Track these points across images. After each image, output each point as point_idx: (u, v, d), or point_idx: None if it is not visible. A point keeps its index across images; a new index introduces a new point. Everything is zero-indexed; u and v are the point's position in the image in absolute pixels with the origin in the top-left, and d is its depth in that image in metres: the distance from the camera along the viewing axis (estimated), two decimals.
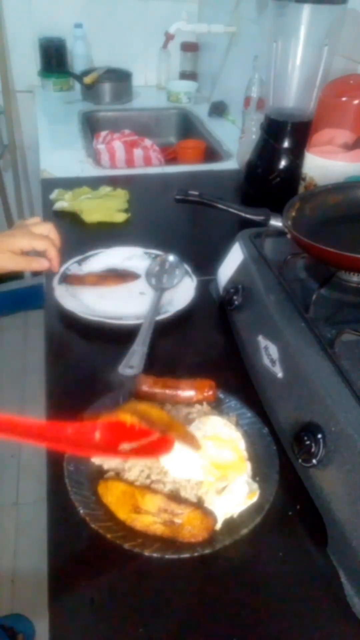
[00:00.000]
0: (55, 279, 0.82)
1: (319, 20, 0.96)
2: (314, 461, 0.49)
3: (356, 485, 0.45)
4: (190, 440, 0.50)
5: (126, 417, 0.52)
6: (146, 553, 0.46)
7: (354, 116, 0.85)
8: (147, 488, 0.49)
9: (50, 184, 1.18)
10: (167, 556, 0.46)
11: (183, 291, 0.83)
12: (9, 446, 1.78)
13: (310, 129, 0.91)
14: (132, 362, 0.67)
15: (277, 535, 0.51)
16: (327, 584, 0.47)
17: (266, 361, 0.62)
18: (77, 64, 1.91)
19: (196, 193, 0.83)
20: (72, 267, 0.86)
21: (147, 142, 1.49)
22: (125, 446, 0.49)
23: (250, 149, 1.14)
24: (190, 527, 0.48)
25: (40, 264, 0.73)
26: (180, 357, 0.72)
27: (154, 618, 0.44)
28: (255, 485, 0.52)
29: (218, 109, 1.71)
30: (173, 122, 1.86)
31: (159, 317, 0.76)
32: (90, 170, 1.31)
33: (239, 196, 1.19)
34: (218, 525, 0.49)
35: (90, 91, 1.79)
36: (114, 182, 1.20)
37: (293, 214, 0.69)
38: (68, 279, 0.83)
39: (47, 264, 0.73)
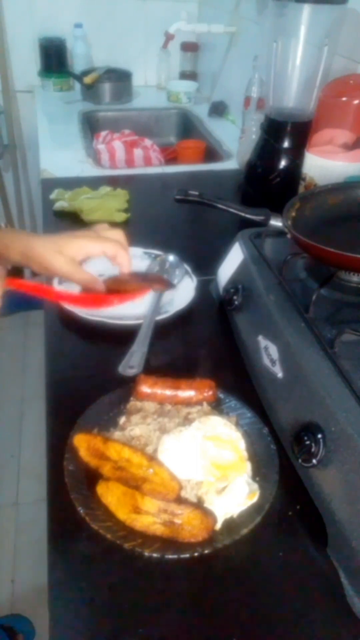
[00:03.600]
0: (56, 279, 0.81)
1: (319, 20, 0.96)
2: (314, 461, 0.49)
3: (356, 485, 0.45)
4: (166, 488, 0.50)
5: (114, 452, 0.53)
6: (146, 553, 0.47)
7: (354, 116, 0.85)
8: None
9: (50, 184, 1.18)
10: (167, 556, 0.46)
11: (183, 291, 0.83)
12: (9, 446, 1.79)
13: (310, 129, 0.91)
14: (132, 362, 0.67)
15: (277, 535, 0.51)
16: (327, 584, 0.47)
17: (266, 361, 0.62)
18: (77, 64, 1.91)
19: (196, 193, 0.82)
20: None
21: (147, 142, 1.49)
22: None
23: (250, 149, 1.14)
24: (190, 527, 0.48)
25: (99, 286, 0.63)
26: (180, 357, 0.72)
27: (154, 618, 0.44)
28: (255, 486, 0.52)
29: (218, 109, 1.71)
30: (173, 122, 1.86)
31: (159, 317, 0.75)
32: (90, 170, 1.31)
33: (239, 196, 1.19)
34: (218, 525, 0.49)
35: (90, 91, 1.79)
36: (114, 182, 1.20)
37: (293, 214, 0.69)
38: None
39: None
